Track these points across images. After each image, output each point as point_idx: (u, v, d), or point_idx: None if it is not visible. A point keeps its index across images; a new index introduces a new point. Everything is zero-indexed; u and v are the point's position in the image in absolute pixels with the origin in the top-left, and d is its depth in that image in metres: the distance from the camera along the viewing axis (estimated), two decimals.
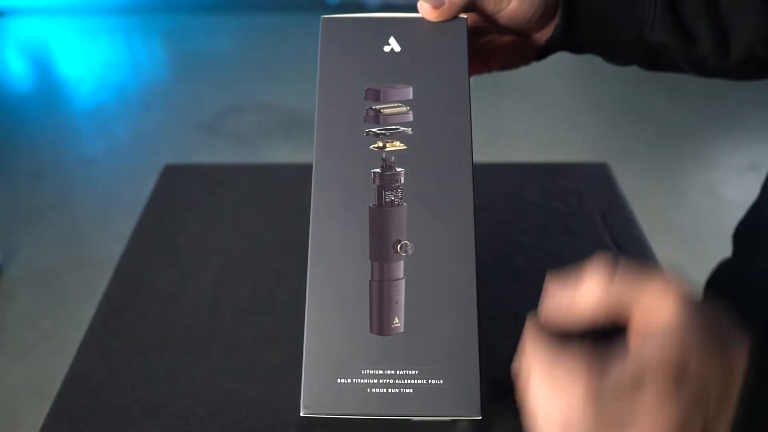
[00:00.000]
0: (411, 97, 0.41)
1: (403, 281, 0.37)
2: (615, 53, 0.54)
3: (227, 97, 2.71)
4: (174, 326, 0.60)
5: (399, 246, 0.38)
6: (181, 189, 0.79)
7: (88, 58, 3.16)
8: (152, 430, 0.50)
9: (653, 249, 0.72)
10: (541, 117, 2.60)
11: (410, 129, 0.40)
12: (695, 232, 1.96)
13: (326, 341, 0.37)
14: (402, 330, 0.36)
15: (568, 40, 0.52)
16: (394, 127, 0.41)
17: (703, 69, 0.54)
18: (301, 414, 0.36)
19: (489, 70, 0.56)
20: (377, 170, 0.40)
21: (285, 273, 0.66)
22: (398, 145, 0.40)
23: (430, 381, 0.35)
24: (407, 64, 0.42)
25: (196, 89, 2.82)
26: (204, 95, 2.75)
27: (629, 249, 0.71)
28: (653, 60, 0.54)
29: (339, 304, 0.38)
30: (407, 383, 0.35)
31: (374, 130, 0.41)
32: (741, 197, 2.11)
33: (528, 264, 0.68)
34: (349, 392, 0.36)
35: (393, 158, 0.40)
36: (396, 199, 0.39)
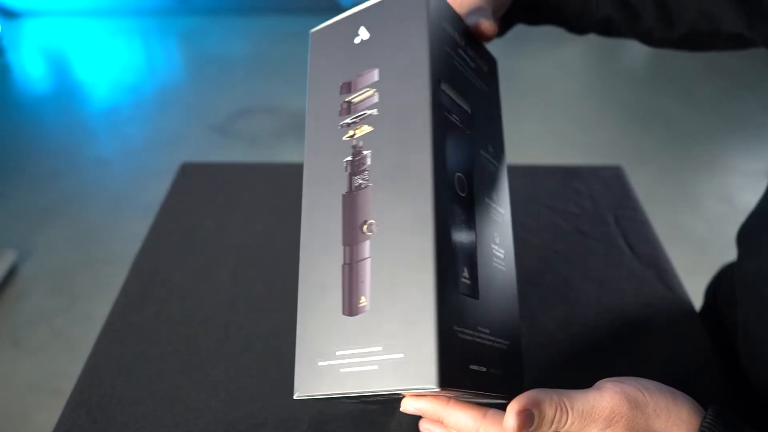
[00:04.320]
0: (377, 78, 0.41)
1: (369, 261, 0.37)
2: (568, 26, 0.58)
3: (240, 99, 2.73)
4: (190, 321, 0.61)
5: (365, 226, 0.38)
6: (197, 187, 0.80)
7: (105, 60, 3.19)
8: (168, 422, 0.51)
9: (667, 252, 0.72)
10: (554, 120, 2.60)
11: (376, 110, 0.40)
12: (709, 238, 1.94)
13: (310, 327, 0.39)
14: (368, 309, 0.36)
15: (524, 15, 0.56)
16: (362, 112, 0.41)
17: (649, 40, 0.58)
18: (294, 397, 0.37)
19: None
20: (348, 158, 0.40)
21: (298, 269, 0.67)
22: (365, 129, 0.40)
23: (392, 356, 0.34)
24: (374, 48, 0.42)
25: (209, 91, 2.84)
26: (217, 97, 2.77)
27: (642, 252, 0.71)
28: (605, 30, 0.58)
29: (319, 290, 0.39)
30: (372, 360, 0.35)
31: (347, 120, 0.41)
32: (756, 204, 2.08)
33: (541, 266, 0.69)
34: (328, 373, 0.37)
35: (361, 143, 0.40)
36: (363, 182, 0.39)
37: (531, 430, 0.34)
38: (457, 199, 0.38)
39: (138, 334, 0.59)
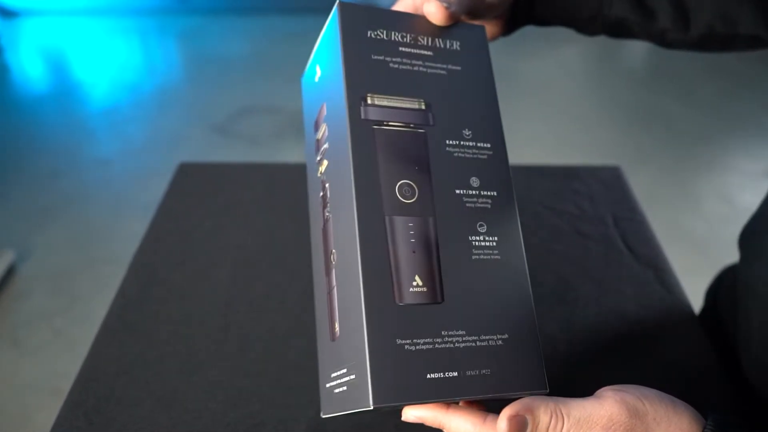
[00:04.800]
0: (326, 112, 0.42)
1: (335, 288, 0.39)
2: (578, 26, 0.57)
3: (241, 99, 2.73)
4: (188, 322, 0.61)
5: (331, 256, 0.40)
6: (195, 187, 0.80)
7: (104, 60, 3.19)
8: (165, 423, 0.51)
9: (665, 253, 0.72)
10: (554, 120, 2.60)
11: (327, 143, 0.42)
12: (709, 239, 1.94)
13: (320, 351, 0.42)
14: (339, 333, 0.39)
15: (531, 16, 0.55)
16: (323, 147, 0.43)
17: (663, 42, 0.57)
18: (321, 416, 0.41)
19: None
20: (321, 193, 0.43)
21: (297, 271, 0.67)
22: (325, 163, 0.42)
23: (350, 377, 0.36)
24: (324, 83, 0.43)
25: (209, 91, 2.84)
26: (218, 97, 2.77)
27: (641, 252, 0.71)
28: (616, 32, 0.57)
29: (320, 318, 0.43)
30: (342, 382, 0.37)
31: (317, 158, 0.44)
32: (756, 204, 2.07)
33: (538, 266, 0.68)
34: (328, 395, 0.40)
35: (324, 177, 0.42)
36: (328, 214, 0.41)
37: None
38: (402, 209, 0.38)
39: (136, 335, 0.59)
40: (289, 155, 2.32)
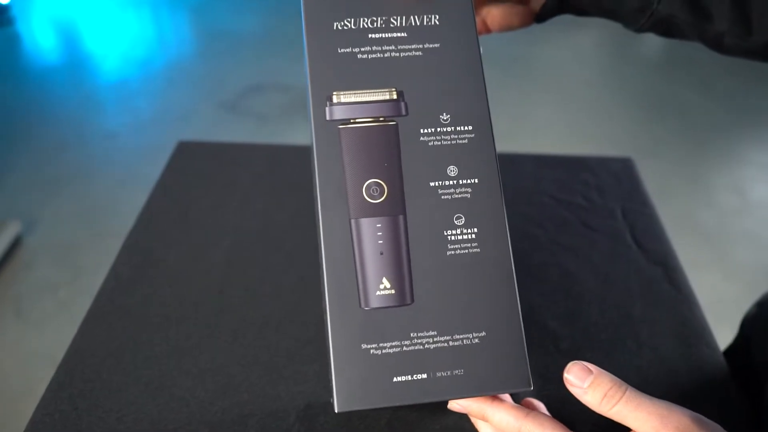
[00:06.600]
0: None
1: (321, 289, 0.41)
2: (623, 20, 0.52)
3: (251, 76, 2.71)
4: (181, 305, 0.59)
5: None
6: (194, 166, 0.78)
7: (115, 33, 3.17)
8: (151, 410, 0.50)
9: (674, 248, 0.70)
10: (565, 108, 2.55)
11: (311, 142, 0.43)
12: (721, 232, 1.91)
13: None
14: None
15: (567, 4, 0.50)
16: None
17: (719, 46, 0.50)
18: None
19: (488, 31, 0.54)
20: None
21: (295, 256, 0.65)
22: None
23: (330, 381, 0.37)
24: (305, 80, 0.44)
25: (220, 67, 2.82)
26: (228, 73, 2.75)
27: (649, 247, 0.69)
28: (665, 30, 0.51)
29: None
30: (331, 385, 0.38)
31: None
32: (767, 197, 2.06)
33: (544, 259, 0.66)
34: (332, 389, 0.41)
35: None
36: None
37: (582, 387, 0.35)
38: (369, 210, 0.37)
39: (126, 317, 0.58)
40: (298, 134, 2.30)
